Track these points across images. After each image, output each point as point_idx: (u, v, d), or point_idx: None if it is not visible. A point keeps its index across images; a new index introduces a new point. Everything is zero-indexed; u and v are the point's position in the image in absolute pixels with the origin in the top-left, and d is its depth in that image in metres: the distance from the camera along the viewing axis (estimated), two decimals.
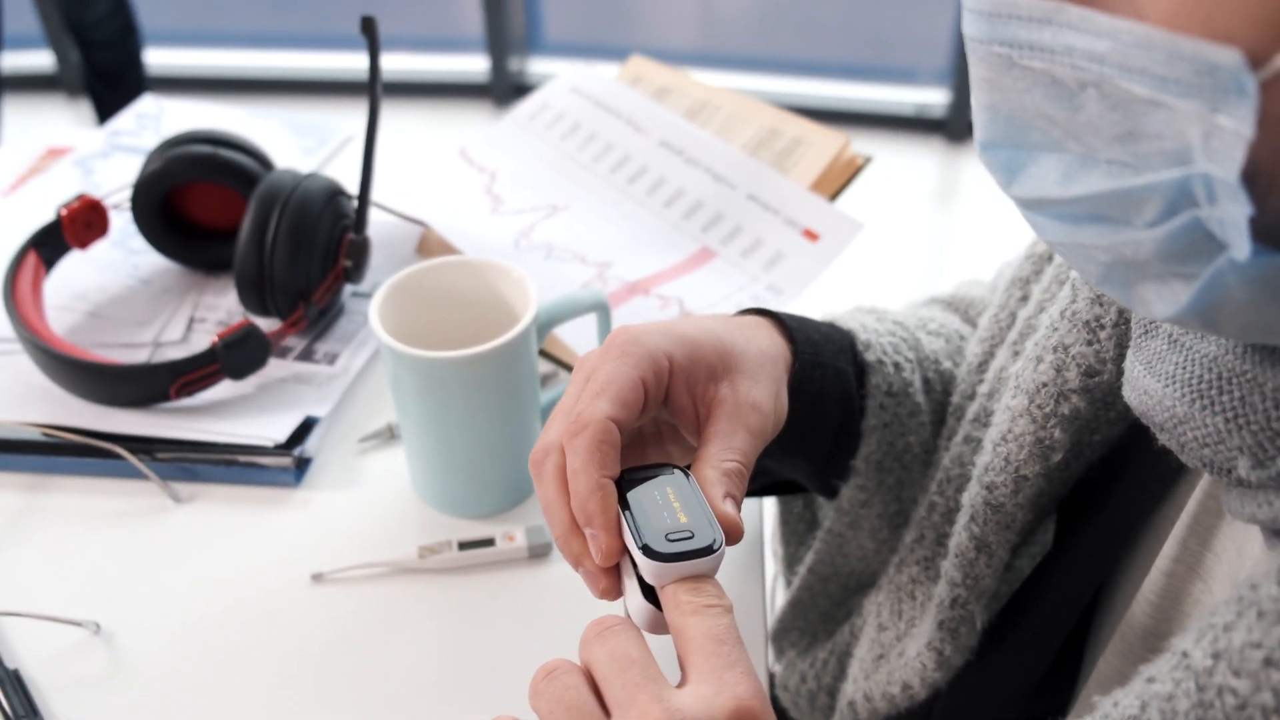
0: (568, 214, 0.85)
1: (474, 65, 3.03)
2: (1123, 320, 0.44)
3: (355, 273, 0.75)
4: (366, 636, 0.59)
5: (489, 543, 0.62)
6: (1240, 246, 0.28)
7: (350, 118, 0.99)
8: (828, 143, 0.85)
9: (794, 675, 0.66)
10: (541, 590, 0.61)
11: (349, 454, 0.70)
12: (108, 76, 2.49)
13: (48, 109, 2.99)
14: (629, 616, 0.40)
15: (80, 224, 0.78)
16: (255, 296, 0.73)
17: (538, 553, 0.62)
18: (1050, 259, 0.54)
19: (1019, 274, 0.56)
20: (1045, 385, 0.46)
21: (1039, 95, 0.32)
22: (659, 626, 0.40)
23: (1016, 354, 0.53)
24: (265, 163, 0.81)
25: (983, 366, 0.56)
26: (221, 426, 0.68)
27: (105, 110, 2.54)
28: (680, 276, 0.79)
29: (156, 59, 2.72)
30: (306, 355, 0.75)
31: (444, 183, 0.89)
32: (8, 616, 0.59)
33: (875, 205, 1.97)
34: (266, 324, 0.74)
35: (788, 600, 0.66)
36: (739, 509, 0.42)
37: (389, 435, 0.71)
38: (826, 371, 0.53)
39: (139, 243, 0.84)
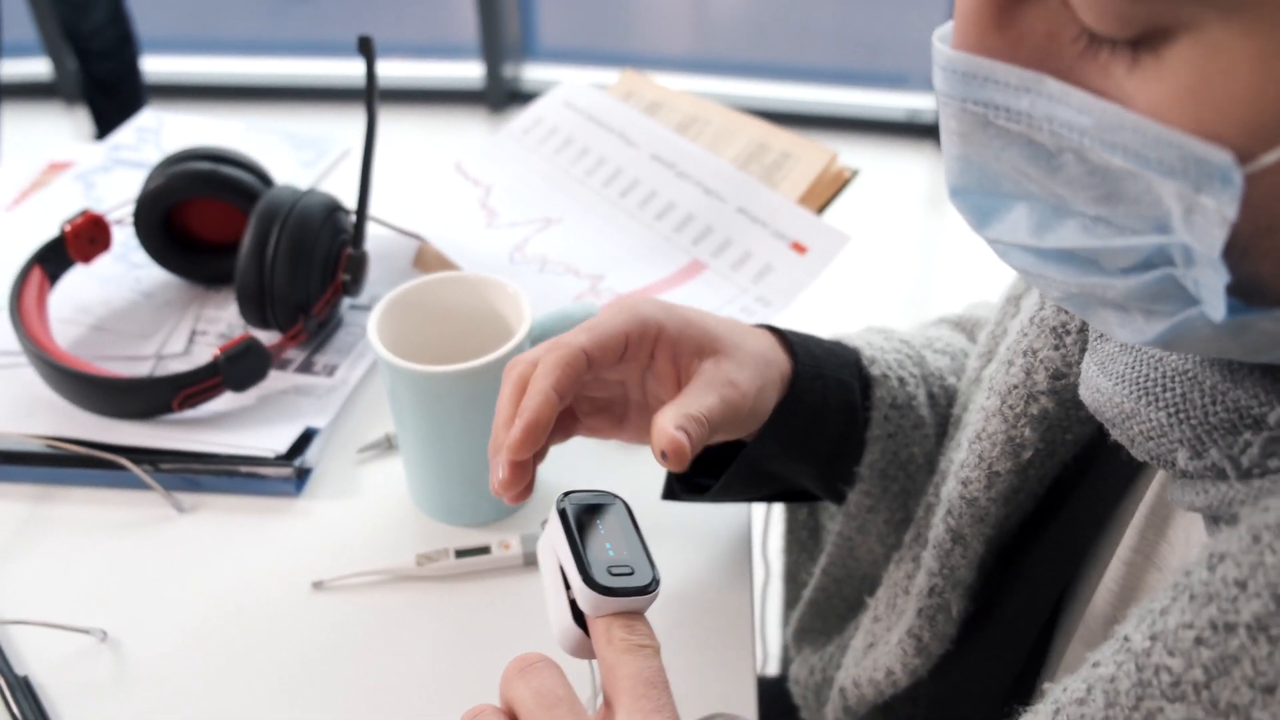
0: (561, 227, 0.86)
1: (469, 72, 3.04)
2: (1087, 326, 0.46)
3: (354, 286, 0.77)
4: (366, 642, 0.60)
5: (485, 550, 0.64)
6: (1216, 309, 0.29)
7: (348, 124, 1.01)
8: (815, 157, 0.87)
9: (804, 669, 0.69)
10: (536, 597, 0.63)
11: (348, 464, 0.71)
12: (105, 85, 2.50)
13: (45, 117, 3.01)
14: (553, 631, 0.41)
15: (83, 239, 0.79)
16: (256, 310, 0.75)
17: (533, 560, 0.64)
18: None
19: (1013, 291, 0.58)
20: (1016, 387, 0.49)
21: (1015, 153, 0.32)
22: (582, 651, 0.41)
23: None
24: (265, 178, 0.83)
25: (979, 379, 0.59)
26: (223, 438, 0.70)
27: (103, 118, 2.56)
28: (671, 289, 0.80)
29: (154, 66, 2.74)
30: (306, 367, 0.77)
31: (440, 196, 0.90)
32: (16, 624, 0.60)
33: (867, 210, 1.99)
34: (267, 337, 0.76)
35: (806, 601, 0.69)
36: (689, 442, 0.46)
37: (387, 446, 0.72)
38: (828, 383, 0.56)
39: (141, 256, 0.86)
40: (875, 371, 0.59)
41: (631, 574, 0.39)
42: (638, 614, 0.39)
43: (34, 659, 0.59)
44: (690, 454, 0.47)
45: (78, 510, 0.68)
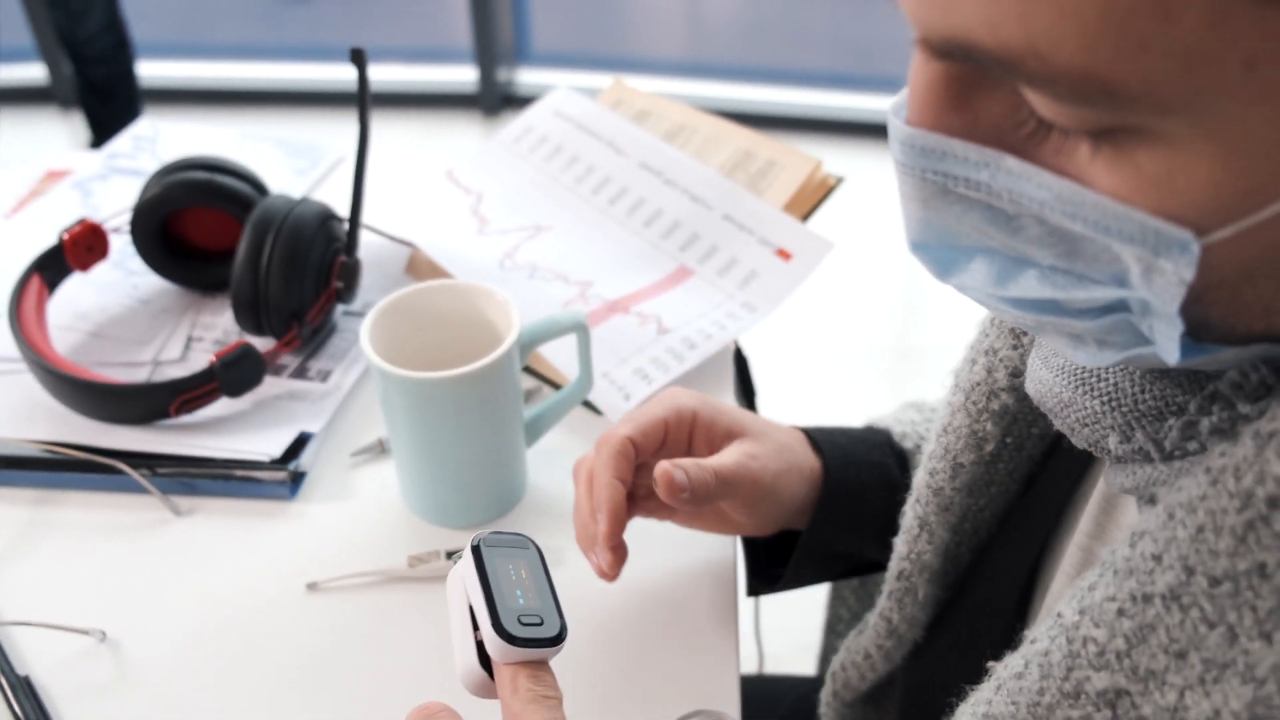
0: (551, 234, 0.88)
1: (463, 76, 3.06)
2: None
3: (347, 293, 0.79)
4: (359, 641, 0.62)
5: None
6: (1170, 354, 0.31)
7: (342, 128, 1.02)
8: (800, 164, 0.88)
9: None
10: None
11: (341, 468, 0.73)
12: (101, 90, 2.51)
13: (40, 122, 3.02)
14: (457, 667, 0.42)
15: (81, 247, 0.81)
16: (251, 317, 0.76)
17: None
18: None
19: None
20: (979, 384, 0.51)
21: (976, 216, 0.33)
22: (484, 691, 0.41)
23: None
24: (260, 187, 0.84)
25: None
26: (219, 442, 0.72)
27: (98, 124, 2.57)
28: (659, 295, 0.82)
29: (149, 71, 2.75)
30: (300, 373, 0.78)
31: (431, 204, 0.92)
32: (17, 626, 0.62)
33: (859, 213, 2.01)
34: (262, 343, 0.77)
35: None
36: (686, 478, 0.54)
37: (380, 450, 0.74)
38: (861, 468, 0.62)
39: (138, 264, 0.87)
40: (908, 445, 0.65)
41: (540, 624, 0.40)
42: (543, 663, 0.40)
43: (35, 659, 0.60)
44: (683, 490, 0.53)
45: (77, 514, 0.69)
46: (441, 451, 0.65)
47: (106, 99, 2.52)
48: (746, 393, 0.87)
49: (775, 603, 0.76)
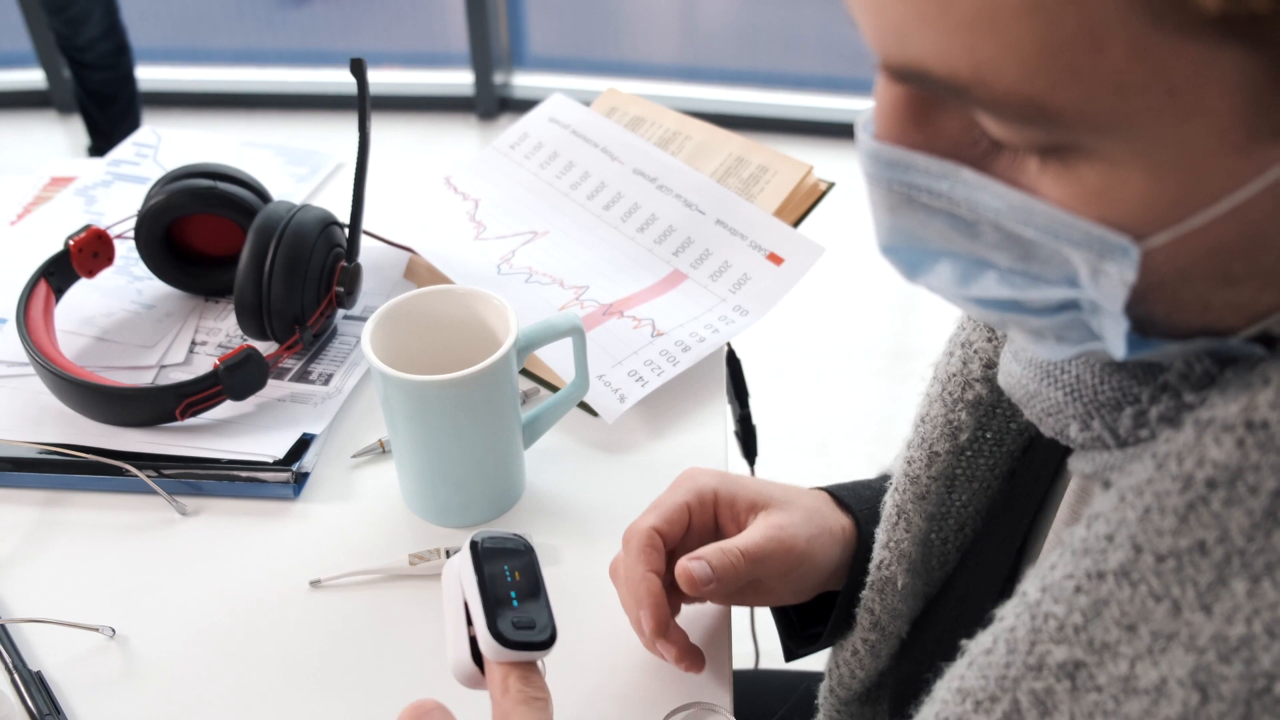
0: (547, 239, 0.90)
1: (459, 80, 3.07)
2: None
3: (348, 298, 0.80)
4: (361, 638, 0.63)
5: None
6: (1118, 348, 0.33)
7: (341, 132, 1.04)
8: (792, 170, 0.90)
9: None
10: None
11: (343, 469, 0.74)
12: (100, 96, 2.52)
13: (39, 127, 3.03)
14: (448, 658, 0.44)
15: (87, 254, 0.82)
16: (254, 322, 0.78)
17: None
18: None
19: None
20: (955, 375, 0.53)
21: (939, 222, 0.35)
22: (473, 683, 0.43)
23: None
24: (261, 194, 0.86)
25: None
26: (224, 444, 0.73)
27: (97, 129, 2.58)
28: (652, 299, 0.84)
29: (147, 75, 2.76)
30: (302, 376, 0.80)
31: (429, 210, 0.94)
32: (29, 623, 0.63)
33: (852, 215, 2.03)
34: (264, 347, 0.79)
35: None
36: (709, 569, 0.55)
37: (380, 451, 0.75)
38: None
39: (142, 270, 0.88)
40: None
41: (533, 628, 0.42)
42: (533, 665, 0.42)
43: (46, 655, 0.62)
44: (707, 582, 0.55)
45: (86, 514, 0.71)
46: (441, 452, 0.66)
47: (105, 104, 2.53)
48: (739, 394, 0.88)
49: None
